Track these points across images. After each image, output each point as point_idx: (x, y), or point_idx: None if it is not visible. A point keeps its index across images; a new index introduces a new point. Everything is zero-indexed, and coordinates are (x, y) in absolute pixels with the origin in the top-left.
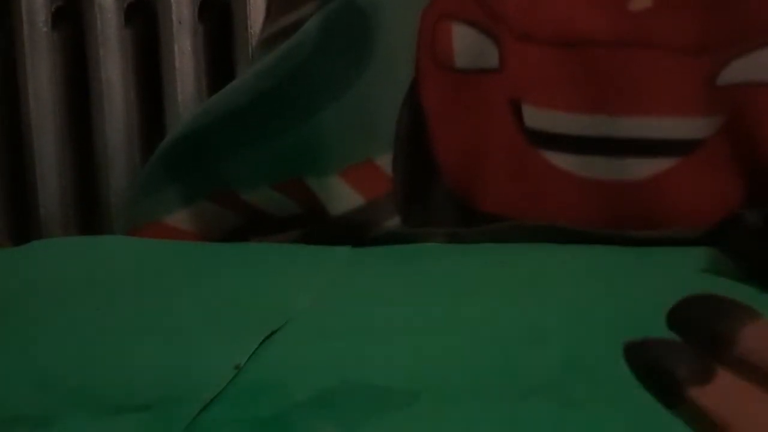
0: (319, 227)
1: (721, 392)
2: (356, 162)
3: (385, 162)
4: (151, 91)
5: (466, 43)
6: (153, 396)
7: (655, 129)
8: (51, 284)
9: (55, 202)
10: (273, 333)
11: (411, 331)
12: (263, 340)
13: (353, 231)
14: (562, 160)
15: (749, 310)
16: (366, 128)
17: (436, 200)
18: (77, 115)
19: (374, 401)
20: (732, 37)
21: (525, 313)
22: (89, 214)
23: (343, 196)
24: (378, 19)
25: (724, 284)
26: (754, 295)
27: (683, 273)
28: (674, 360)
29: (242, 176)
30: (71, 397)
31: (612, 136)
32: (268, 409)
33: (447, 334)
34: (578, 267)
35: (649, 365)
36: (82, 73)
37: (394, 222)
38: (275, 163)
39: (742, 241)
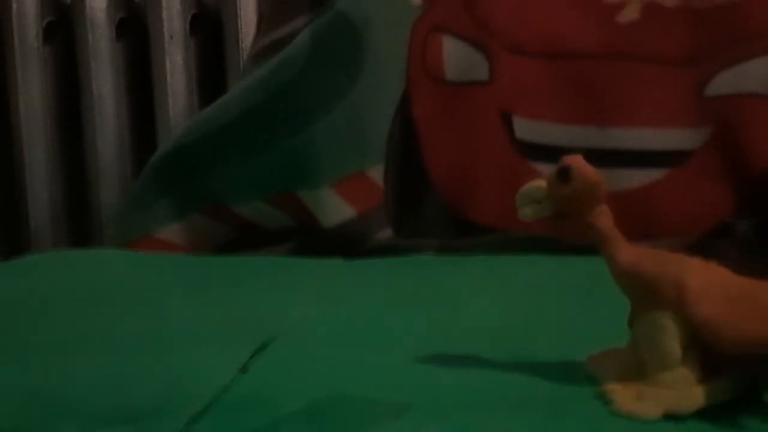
0: (311, 239)
1: None
2: (348, 174)
3: (376, 174)
4: (143, 105)
5: (456, 56)
6: (142, 409)
7: (645, 140)
8: (43, 297)
9: (46, 215)
10: (264, 345)
11: (402, 343)
12: (254, 353)
13: (345, 243)
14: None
15: None
16: (357, 140)
17: (428, 211)
18: (68, 128)
19: (365, 413)
20: (719, 49)
21: (516, 326)
22: (80, 228)
23: (334, 208)
24: (368, 32)
25: None
26: None
27: None
28: None
29: (234, 189)
30: (61, 409)
31: (602, 148)
32: (257, 422)
33: (438, 346)
34: (568, 279)
35: None
36: (73, 88)
37: (385, 233)
38: (267, 176)
39: (732, 250)
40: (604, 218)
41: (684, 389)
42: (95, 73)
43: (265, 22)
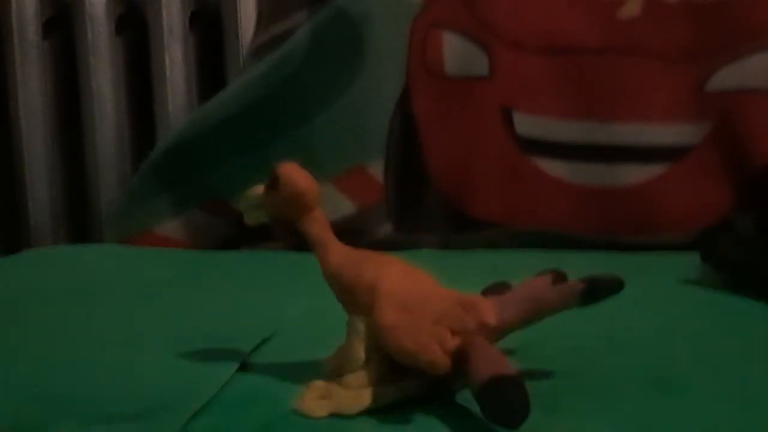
0: None
1: None
2: (348, 169)
3: (376, 169)
4: (142, 100)
5: (456, 51)
6: (143, 405)
7: (645, 135)
8: (43, 293)
9: (46, 211)
10: (264, 341)
11: None
12: (254, 349)
13: (345, 238)
14: (553, 167)
15: None
16: (357, 136)
17: (428, 207)
18: (68, 124)
19: (363, 411)
20: (719, 45)
21: None
22: (79, 223)
23: (334, 204)
24: (368, 28)
25: (707, 294)
26: (736, 303)
27: (667, 283)
28: None
29: (233, 184)
30: (61, 407)
31: (602, 143)
32: (257, 419)
33: None
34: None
35: None
36: (72, 83)
37: (385, 229)
38: (266, 172)
39: (731, 245)
40: (315, 224)
41: (356, 391)
42: (94, 69)
43: (264, 18)
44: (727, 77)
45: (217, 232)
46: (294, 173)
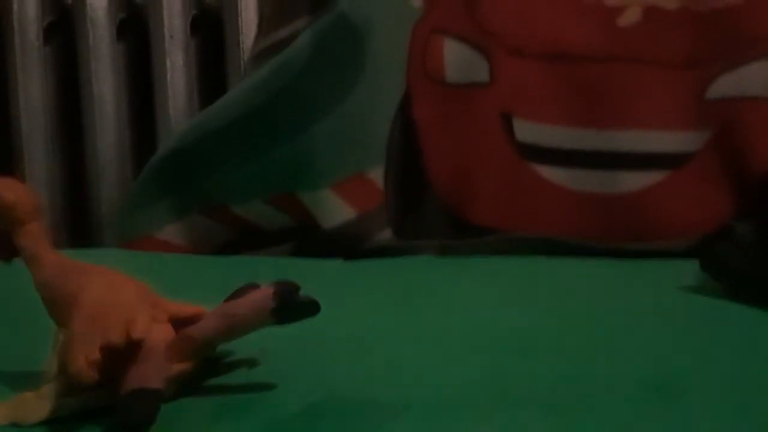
0: (311, 240)
1: None
2: (348, 175)
3: (376, 175)
4: (143, 105)
5: (457, 58)
6: None
7: (645, 142)
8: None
9: (46, 215)
10: (263, 347)
11: (402, 343)
12: (253, 354)
13: (345, 244)
14: (553, 174)
15: None
16: (358, 142)
17: (428, 213)
18: (69, 128)
19: (364, 414)
20: (720, 52)
21: (515, 326)
22: (80, 227)
23: (335, 210)
24: (369, 34)
25: (707, 302)
26: (736, 311)
27: (667, 291)
28: None
29: (234, 190)
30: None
31: (602, 150)
32: (256, 422)
33: (437, 346)
34: (568, 280)
35: None
36: (73, 88)
37: (385, 235)
38: (267, 177)
39: (732, 253)
40: (27, 237)
41: (41, 401)
42: (96, 73)
43: (265, 23)
44: (728, 85)
45: (218, 237)
46: (1, 187)
